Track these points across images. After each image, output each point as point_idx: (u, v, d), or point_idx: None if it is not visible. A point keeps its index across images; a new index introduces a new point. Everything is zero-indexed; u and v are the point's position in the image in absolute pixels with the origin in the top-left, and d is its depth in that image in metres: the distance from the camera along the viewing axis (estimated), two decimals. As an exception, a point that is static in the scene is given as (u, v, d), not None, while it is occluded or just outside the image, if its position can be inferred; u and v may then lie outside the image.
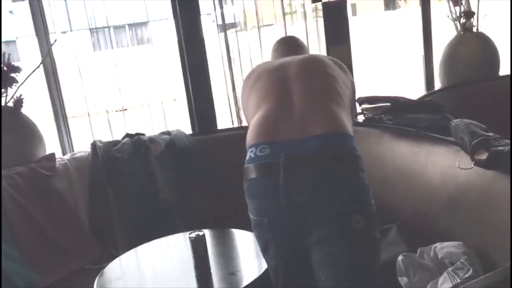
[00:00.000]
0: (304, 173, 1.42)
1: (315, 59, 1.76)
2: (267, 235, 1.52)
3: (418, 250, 1.90)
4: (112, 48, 3.46)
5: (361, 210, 1.44)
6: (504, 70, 3.20)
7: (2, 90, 2.47)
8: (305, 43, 2.20)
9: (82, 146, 2.76)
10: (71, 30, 3.18)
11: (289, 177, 1.42)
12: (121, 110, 3.53)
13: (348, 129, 1.53)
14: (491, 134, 1.88)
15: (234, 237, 2.13)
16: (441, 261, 1.80)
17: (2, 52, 2.46)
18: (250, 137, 1.56)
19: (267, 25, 3.63)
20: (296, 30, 3.38)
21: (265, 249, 1.56)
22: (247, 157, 1.53)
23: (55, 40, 2.69)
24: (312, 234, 1.44)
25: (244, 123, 3.19)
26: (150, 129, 3.36)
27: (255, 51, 3.24)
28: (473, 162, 1.77)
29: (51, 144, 2.77)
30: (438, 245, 1.87)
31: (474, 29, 3.14)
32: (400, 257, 1.86)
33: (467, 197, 1.87)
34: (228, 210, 2.52)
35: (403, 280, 1.78)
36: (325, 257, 1.45)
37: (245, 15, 3.35)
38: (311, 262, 1.49)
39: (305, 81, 1.63)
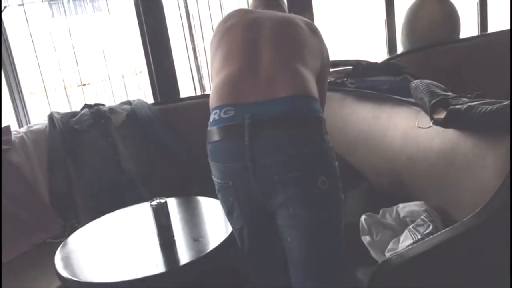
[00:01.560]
0: (270, 136, 1.41)
1: (289, 23, 1.68)
2: (232, 198, 1.51)
3: (381, 210, 1.93)
4: (66, 15, 3.34)
5: (326, 171, 1.44)
6: (464, 33, 3.23)
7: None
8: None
9: (40, 118, 2.67)
10: (19, 4, 3.05)
11: (254, 139, 1.40)
12: (81, 85, 3.42)
13: (313, 92, 1.51)
14: (450, 93, 1.90)
15: (198, 204, 2.12)
16: (403, 220, 1.84)
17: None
18: (214, 99, 1.52)
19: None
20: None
21: (230, 212, 1.56)
22: (211, 120, 1.50)
23: (5, 7, 2.57)
24: (278, 196, 1.44)
25: (208, 91, 3.16)
26: (112, 103, 3.27)
27: (217, 17, 3.18)
28: (432, 121, 1.79)
29: (6, 118, 2.67)
30: (401, 205, 1.90)
31: (435, -8, 3.15)
32: (363, 217, 1.88)
33: (427, 157, 1.89)
34: (191, 177, 2.50)
35: (365, 239, 1.81)
36: (290, 218, 1.45)
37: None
38: (277, 223, 1.49)
39: (274, 45, 1.58)
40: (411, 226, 1.71)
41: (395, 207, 1.91)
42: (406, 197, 1.95)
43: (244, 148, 1.41)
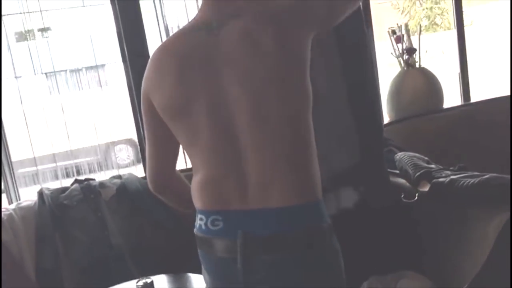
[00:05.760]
0: (265, 261, 1.21)
1: (260, 52, 1.22)
2: None
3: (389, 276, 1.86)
4: (60, 93, 3.44)
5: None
6: (447, 103, 3.33)
7: None
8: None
9: (30, 192, 2.68)
10: (15, 77, 3.15)
11: (248, 263, 1.21)
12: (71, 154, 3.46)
13: (313, 190, 1.24)
14: (433, 165, 1.95)
15: (188, 282, 2.09)
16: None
17: None
18: (197, 199, 1.30)
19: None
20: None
21: None
22: (197, 223, 1.30)
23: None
24: None
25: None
26: (102, 174, 3.30)
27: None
28: (417, 194, 1.82)
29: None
30: (406, 280, 1.82)
31: (417, 65, 3.27)
32: (366, 282, 1.83)
33: (414, 229, 1.91)
34: (182, 252, 2.47)
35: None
36: None
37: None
38: None
39: (254, 125, 1.22)
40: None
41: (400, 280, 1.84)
42: (396, 268, 1.95)
43: (237, 271, 1.22)
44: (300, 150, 1.25)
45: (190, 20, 1.35)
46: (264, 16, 1.25)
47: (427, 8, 10.38)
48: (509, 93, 3.12)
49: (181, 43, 1.30)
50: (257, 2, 1.28)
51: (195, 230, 1.32)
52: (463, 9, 3.52)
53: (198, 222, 1.30)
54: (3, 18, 3.04)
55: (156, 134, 1.38)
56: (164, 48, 1.35)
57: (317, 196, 1.25)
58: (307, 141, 1.26)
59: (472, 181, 1.67)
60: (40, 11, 3.46)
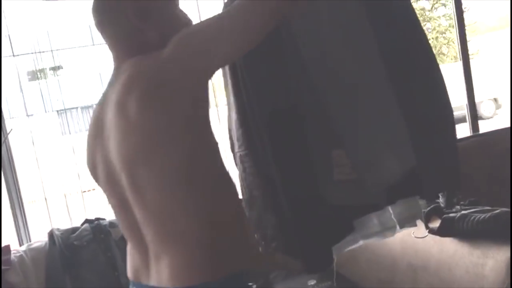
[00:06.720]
0: None
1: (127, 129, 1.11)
2: None
3: None
4: (71, 132, 3.48)
5: None
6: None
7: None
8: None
9: (40, 233, 2.68)
10: (27, 115, 3.21)
11: None
12: (85, 192, 3.48)
13: (211, 268, 1.12)
14: (443, 200, 1.93)
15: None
16: None
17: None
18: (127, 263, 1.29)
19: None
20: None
21: None
22: None
23: (11, 130, 2.68)
24: None
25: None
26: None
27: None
28: (428, 230, 1.80)
29: (7, 233, 2.69)
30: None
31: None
32: None
33: (426, 264, 1.88)
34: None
35: None
36: None
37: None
38: None
39: (134, 196, 1.14)
40: None
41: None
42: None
43: None
44: (187, 223, 1.11)
45: None
46: (131, 79, 1.10)
47: (432, 38, 10.46)
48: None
49: (94, 111, 1.27)
50: (133, 63, 1.14)
51: None
52: (470, 38, 3.54)
53: None
54: (15, 58, 3.12)
55: None
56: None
57: (218, 275, 1.10)
58: (194, 210, 1.11)
59: (483, 216, 1.65)
60: (51, 50, 3.55)
